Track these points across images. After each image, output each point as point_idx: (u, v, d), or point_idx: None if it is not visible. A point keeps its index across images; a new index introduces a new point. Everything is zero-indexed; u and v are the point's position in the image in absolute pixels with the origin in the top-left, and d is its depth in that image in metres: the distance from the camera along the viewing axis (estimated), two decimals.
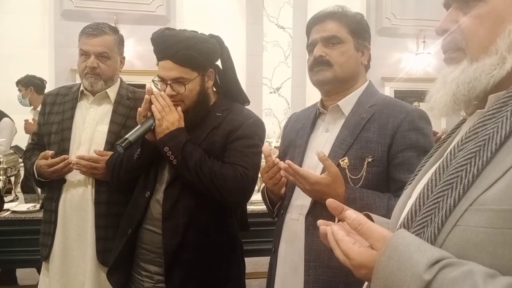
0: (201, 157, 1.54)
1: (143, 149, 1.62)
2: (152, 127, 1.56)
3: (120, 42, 1.97)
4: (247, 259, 1.80)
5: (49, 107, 2.00)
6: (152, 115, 1.56)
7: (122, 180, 1.74)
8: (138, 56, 5.68)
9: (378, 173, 1.32)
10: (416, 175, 0.90)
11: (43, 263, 1.94)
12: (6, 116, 4.17)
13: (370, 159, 1.32)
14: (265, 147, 1.47)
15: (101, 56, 1.88)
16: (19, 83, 4.44)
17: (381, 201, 1.28)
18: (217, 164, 1.56)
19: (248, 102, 1.78)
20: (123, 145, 1.49)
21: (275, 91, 5.91)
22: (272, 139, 4.84)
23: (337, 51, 1.42)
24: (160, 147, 1.55)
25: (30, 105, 4.44)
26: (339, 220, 0.88)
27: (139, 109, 1.59)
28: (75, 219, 1.87)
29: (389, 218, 0.94)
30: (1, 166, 2.70)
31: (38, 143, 2.03)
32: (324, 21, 1.44)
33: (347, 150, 1.35)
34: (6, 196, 2.79)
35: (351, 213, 0.76)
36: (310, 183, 1.27)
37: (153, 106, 1.56)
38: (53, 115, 1.97)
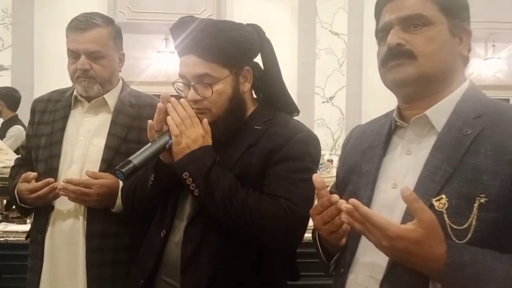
0: (231, 185, 1.10)
1: (158, 175, 1.20)
2: (167, 145, 1.13)
3: (117, 35, 1.53)
4: None
5: (38, 115, 1.60)
6: (168, 129, 1.14)
7: (137, 211, 1.32)
8: None
9: (496, 222, 0.81)
10: None
11: None
12: (20, 123, 3.92)
13: (483, 200, 0.81)
14: (318, 175, 0.99)
15: (93, 55, 1.46)
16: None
17: (503, 267, 0.77)
18: (253, 195, 1.12)
19: (297, 112, 1.31)
20: (124, 170, 1.06)
21: (328, 101, 5.40)
22: (325, 151, 4.33)
23: (423, 37, 0.92)
24: (178, 172, 1.12)
25: None
26: None
27: (149, 121, 1.17)
28: (65, 254, 1.47)
29: None
30: None
31: (26, 158, 1.64)
32: None
33: (444, 183, 0.85)
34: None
35: None
36: (390, 237, 0.78)
37: (169, 117, 1.14)
38: (43, 126, 1.57)
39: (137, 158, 1.08)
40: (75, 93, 1.55)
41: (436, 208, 0.84)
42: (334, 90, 5.37)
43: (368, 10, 5.28)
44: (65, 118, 1.54)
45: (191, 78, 1.15)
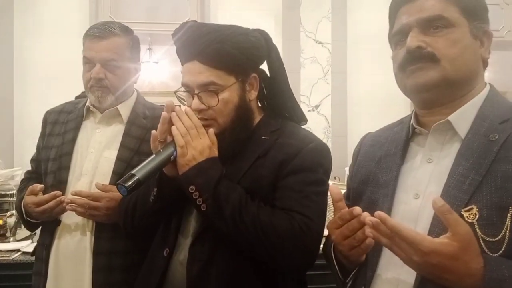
0: (241, 200, 1.03)
1: (161, 188, 1.11)
2: (172, 157, 1.06)
3: (134, 45, 1.48)
4: None
5: (50, 127, 1.54)
6: (173, 140, 1.06)
7: (137, 228, 1.23)
8: (173, 77, 5.31)
9: None
10: None
11: None
12: None
13: None
14: (334, 187, 0.93)
15: (108, 64, 1.40)
16: None
17: None
18: (264, 210, 1.04)
19: (305, 121, 1.26)
20: (127, 185, 0.98)
21: (314, 109, 5.36)
22: None
23: (445, 39, 0.88)
24: (183, 185, 1.04)
25: None
26: None
27: (153, 132, 1.09)
28: (70, 273, 1.38)
29: None
30: (14, 199, 2.26)
31: (36, 171, 1.57)
32: None
33: (472, 192, 0.80)
34: (18, 234, 2.34)
35: None
36: (422, 252, 0.72)
37: (173, 127, 1.06)
38: (53, 137, 1.51)
39: (140, 171, 1.00)
40: (87, 103, 1.49)
41: (466, 219, 0.78)
42: (319, 99, 5.35)
43: (351, 19, 5.31)
44: (77, 129, 1.48)
45: (195, 87, 1.08)
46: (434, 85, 0.87)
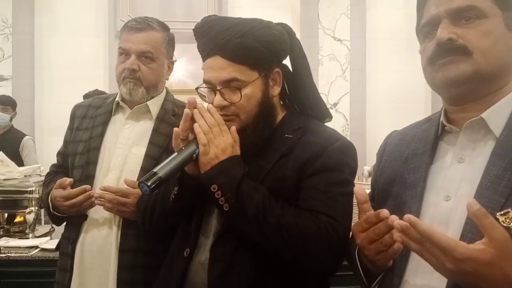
0: (264, 200, 0.99)
1: (182, 187, 1.09)
2: (194, 155, 1.03)
3: (170, 42, 1.48)
4: None
5: (78, 121, 1.53)
6: (195, 138, 1.04)
7: (156, 227, 1.21)
8: (190, 75, 5.32)
9: None
10: None
11: None
12: (25, 135, 3.90)
13: None
14: (359, 187, 0.88)
15: (144, 56, 1.40)
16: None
17: None
18: (289, 211, 1.00)
19: (329, 117, 1.21)
20: (149, 183, 0.95)
21: (332, 107, 5.31)
22: None
23: (477, 31, 0.82)
24: (205, 184, 1.02)
25: None
26: None
27: (175, 129, 1.07)
28: (95, 269, 1.37)
29: None
30: (33, 195, 2.27)
31: (62, 165, 1.57)
32: None
33: (508, 194, 0.75)
34: (37, 230, 2.35)
35: None
36: (457, 259, 0.67)
37: (196, 125, 1.03)
38: (81, 132, 1.50)
39: (162, 169, 0.97)
40: (117, 98, 1.49)
41: (502, 223, 0.73)
42: (338, 97, 5.29)
43: (370, 16, 5.22)
44: (105, 124, 1.47)
45: (217, 83, 1.05)
46: (466, 79, 0.82)
